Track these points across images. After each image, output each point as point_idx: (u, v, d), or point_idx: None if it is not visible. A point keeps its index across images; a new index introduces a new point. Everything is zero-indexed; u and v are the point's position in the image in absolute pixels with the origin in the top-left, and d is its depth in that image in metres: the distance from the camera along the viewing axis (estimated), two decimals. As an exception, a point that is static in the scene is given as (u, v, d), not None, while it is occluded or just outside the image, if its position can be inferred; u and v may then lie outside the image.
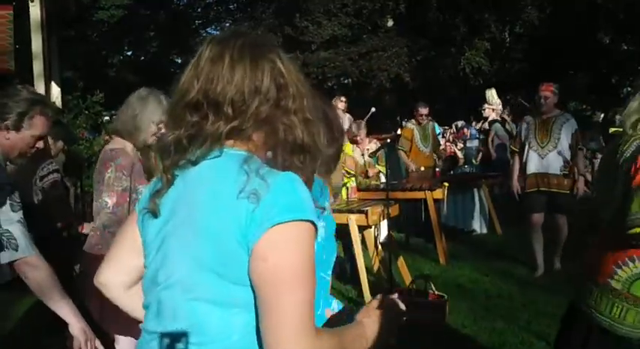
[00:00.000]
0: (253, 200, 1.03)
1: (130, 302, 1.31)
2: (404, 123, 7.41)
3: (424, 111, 7.23)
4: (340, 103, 7.80)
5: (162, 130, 2.65)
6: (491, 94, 7.03)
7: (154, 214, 1.17)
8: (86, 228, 3.72)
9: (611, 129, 11.14)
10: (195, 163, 1.13)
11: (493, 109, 6.99)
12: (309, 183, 1.12)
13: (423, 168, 7.26)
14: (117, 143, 2.84)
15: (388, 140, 6.72)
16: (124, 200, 2.66)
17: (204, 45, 1.19)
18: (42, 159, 3.57)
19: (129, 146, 2.77)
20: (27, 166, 3.67)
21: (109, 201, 2.67)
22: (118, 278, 1.30)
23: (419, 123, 7.27)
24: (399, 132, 11.05)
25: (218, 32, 22.26)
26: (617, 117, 8.48)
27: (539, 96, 5.34)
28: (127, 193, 2.66)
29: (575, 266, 5.12)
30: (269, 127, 1.13)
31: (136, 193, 2.69)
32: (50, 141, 3.73)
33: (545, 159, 5.28)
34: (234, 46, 1.14)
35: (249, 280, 1.05)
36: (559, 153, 5.26)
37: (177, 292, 1.11)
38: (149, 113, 2.68)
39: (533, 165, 5.33)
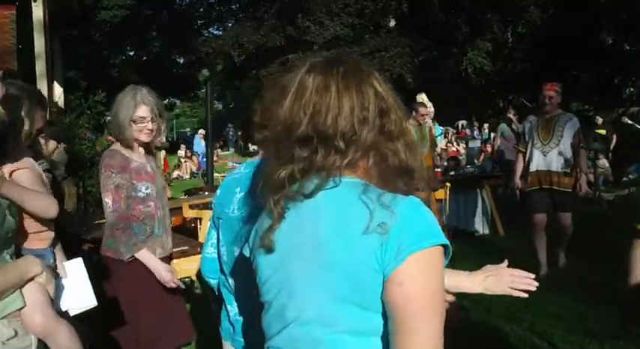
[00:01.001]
0: (382, 232, 1.04)
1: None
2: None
3: (424, 111, 7.21)
4: None
5: (146, 125, 2.74)
6: (422, 97, 7.06)
7: (269, 250, 1.16)
8: None
9: (599, 131, 11.14)
10: (309, 196, 1.12)
11: (426, 114, 7.03)
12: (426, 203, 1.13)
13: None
14: (114, 144, 2.93)
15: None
16: (119, 197, 2.72)
17: (302, 72, 1.17)
18: (35, 159, 3.58)
19: (118, 145, 2.83)
20: None
21: (108, 200, 2.74)
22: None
23: (418, 123, 7.26)
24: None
25: (220, 33, 22.34)
26: (624, 118, 8.47)
27: (543, 95, 5.32)
28: (121, 190, 2.72)
29: (578, 266, 5.13)
30: (376, 154, 1.13)
31: (135, 191, 2.74)
32: (42, 141, 3.74)
33: (547, 156, 5.29)
34: (337, 75, 1.13)
35: (382, 305, 1.07)
36: (561, 151, 5.27)
37: (315, 328, 1.11)
38: (125, 110, 2.74)
39: (536, 163, 5.35)
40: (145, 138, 2.76)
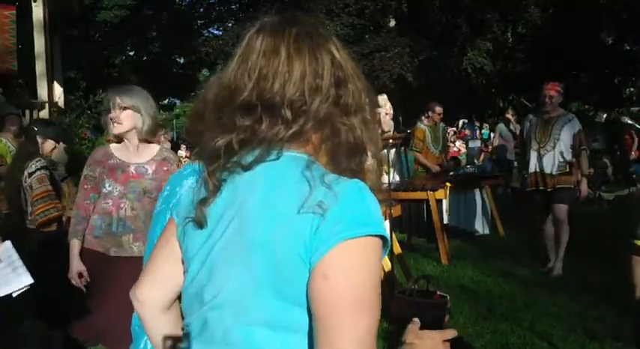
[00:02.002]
0: (318, 212, 0.92)
1: (167, 323, 1.17)
2: (418, 123, 7.33)
3: (440, 109, 7.20)
4: None
5: (112, 115, 2.79)
6: (384, 99, 7.08)
7: (200, 224, 1.03)
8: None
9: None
10: (247, 168, 1.00)
11: (387, 113, 7.04)
12: (374, 189, 1.00)
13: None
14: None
15: (391, 141, 6.69)
16: (82, 186, 2.88)
17: (251, 34, 1.06)
18: (29, 158, 3.60)
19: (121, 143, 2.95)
20: (15, 166, 3.70)
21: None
22: (157, 294, 1.15)
23: (434, 123, 7.24)
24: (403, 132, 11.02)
25: (220, 33, 22.33)
26: (624, 118, 8.47)
27: (544, 94, 5.30)
28: (86, 180, 2.87)
29: (578, 266, 5.12)
30: (329, 128, 1.02)
31: (102, 186, 2.83)
32: (40, 140, 3.75)
33: (544, 158, 5.30)
34: (289, 37, 1.02)
35: (307, 300, 0.93)
36: (557, 154, 5.27)
37: (227, 314, 0.99)
38: (107, 109, 2.87)
39: (533, 164, 5.37)
40: (115, 130, 2.83)
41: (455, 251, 6.33)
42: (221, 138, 1.01)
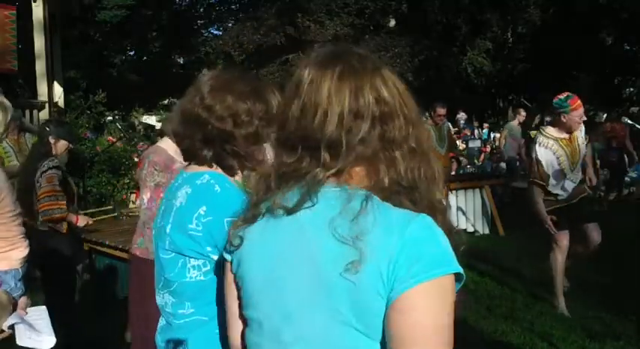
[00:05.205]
0: (354, 270, 0.93)
1: None
2: None
3: (442, 111, 7.17)
4: None
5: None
6: None
7: (240, 251, 1.07)
8: (80, 221, 3.73)
9: (532, 132, 11.10)
10: (291, 211, 1.01)
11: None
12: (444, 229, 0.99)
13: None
14: (161, 141, 2.83)
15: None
16: (157, 195, 2.63)
17: (301, 67, 1.05)
18: (43, 158, 3.59)
19: (170, 144, 2.68)
20: (28, 167, 3.69)
21: (145, 197, 2.67)
22: (238, 336, 1.15)
23: (436, 124, 7.21)
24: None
25: (220, 33, 22.33)
26: (624, 118, 8.46)
27: (575, 115, 4.29)
28: (160, 188, 2.62)
29: (578, 267, 5.11)
30: (369, 164, 1.00)
31: None
32: (52, 140, 3.74)
33: (575, 178, 4.49)
34: (332, 74, 1.00)
35: (382, 334, 0.95)
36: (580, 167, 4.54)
37: None
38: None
39: (566, 194, 4.45)
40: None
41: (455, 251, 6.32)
42: (268, 172, 1.05)
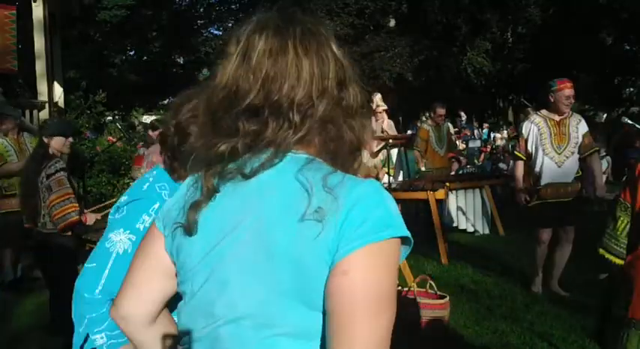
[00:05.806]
0: (319, 218, 0.89)
1: (153, 337, 1.10)
2: (420, 123, 7.34)
3: (442, 111, 7.17)
4: None
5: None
6: (379, 98, 7.09)
7: (189, 231, 0.98)
8: (89, 219, 3.73)
9: None
10: (251, 174, 0.96)
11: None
12: None
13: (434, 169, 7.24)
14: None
15: (390, 141, 6.70)
16: None
17: (250, 32, 1.00)
18: (42, 160, 3.58)
19: None
20: (30, 167, 3.68)
21: None
22: (142, 308, 1.07)
23: (436, 124, 7.21)
24: (407, 132, 11.02)
25: (220, 33, 22.33)
26: (624, 118, 8.46)
27: (561, 94, 4.61)
28: None
29: (578, 266, 5.11)
30: (332, 130, 0.99)
31: None
32: (45, 140, 3.72)
33: (563, 166, 4.70)
34: (294, 37, 0.98)
35: (323, 301, 0.91)
36: (575, 158, 4.76)
37: (247, 327, 0.93)
38: None
39: (549, 174, 4.71)
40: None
41: (454, 251, 6.33)
42: (223, 143, 0.97)
